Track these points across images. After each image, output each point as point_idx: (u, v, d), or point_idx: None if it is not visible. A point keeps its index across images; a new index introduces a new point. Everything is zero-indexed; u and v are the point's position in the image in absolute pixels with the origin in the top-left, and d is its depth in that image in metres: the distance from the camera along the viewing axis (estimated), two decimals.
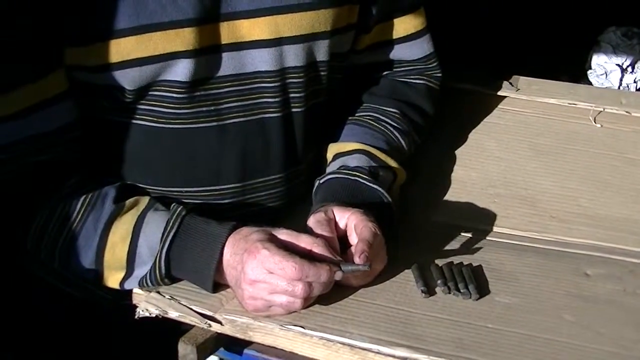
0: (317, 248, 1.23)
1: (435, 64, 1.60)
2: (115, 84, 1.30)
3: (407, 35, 1.55)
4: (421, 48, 1.57)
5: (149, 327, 1.28)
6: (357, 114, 1.54)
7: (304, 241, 1.23)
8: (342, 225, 1.30)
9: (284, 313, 1.23)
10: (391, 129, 1.52)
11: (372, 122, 1.52)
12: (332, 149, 1.50)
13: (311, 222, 1.29)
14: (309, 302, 1.23)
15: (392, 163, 1.47)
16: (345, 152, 1.47)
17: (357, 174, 1.41)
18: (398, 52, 1.56)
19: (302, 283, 1.20)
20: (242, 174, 1.40)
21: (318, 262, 1.21)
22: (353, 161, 1.45)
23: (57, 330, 1.46)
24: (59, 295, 1.41)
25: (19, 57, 1.26)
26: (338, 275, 1.22)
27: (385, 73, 1.59)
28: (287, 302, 1.21)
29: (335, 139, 1.52)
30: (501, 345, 1.20)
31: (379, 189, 1.39)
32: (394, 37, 1.55)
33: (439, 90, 1.62)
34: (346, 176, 1.41)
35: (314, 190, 1.44)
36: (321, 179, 1.43)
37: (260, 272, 1.20)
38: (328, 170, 1.46)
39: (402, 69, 1.59)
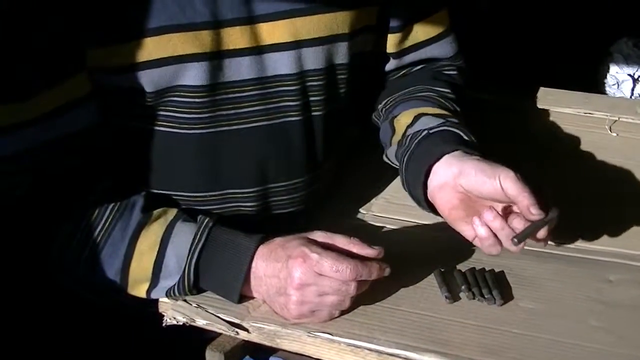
0: (355, 246, 1.24)
1: (462, 61, 1.61)
2: (135, 85, 1.31)
3: (438, 34, 1.57)
4: (451, 46, 1.59)
5: (175, 335, 1.29)
6: (413, 93, 1.52)
7: (340, 241, 1.24)
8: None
9: (328, 318, 1.23)
10: (454, 104, 1.50)
11: (436, 97, 1.50)
12: (409, 114, 1.46)
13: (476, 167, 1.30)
14: (353, 300, 1.24)
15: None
16: (432, 114, 1.45)
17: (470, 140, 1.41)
18: (430, 51, 1.58)
19: (355, 282, 1.21)
20: (263, 177, 1.40)
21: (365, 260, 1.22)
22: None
23: (83, 338, 1.46)
24: (85, 303, 1.40)
25: (45, 60, 1.26)
26: (387, 272, 1.24)
27: (421, 67, 1.59)
28: (337, 301, 1.22)
29: (388, 114, 1.51)
30: (528, 350, 1.21)
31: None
32: (427, 37, 1.56)
33: (468, 80, 1.63)
34: (460, 132, 1.41)
35: (421, 134, 1.41)
36: (431, 129, 1.40)
37: (310, 276, 1.21)
38: (419, 125, 1.43)
39: (435, 64, 1.60)
